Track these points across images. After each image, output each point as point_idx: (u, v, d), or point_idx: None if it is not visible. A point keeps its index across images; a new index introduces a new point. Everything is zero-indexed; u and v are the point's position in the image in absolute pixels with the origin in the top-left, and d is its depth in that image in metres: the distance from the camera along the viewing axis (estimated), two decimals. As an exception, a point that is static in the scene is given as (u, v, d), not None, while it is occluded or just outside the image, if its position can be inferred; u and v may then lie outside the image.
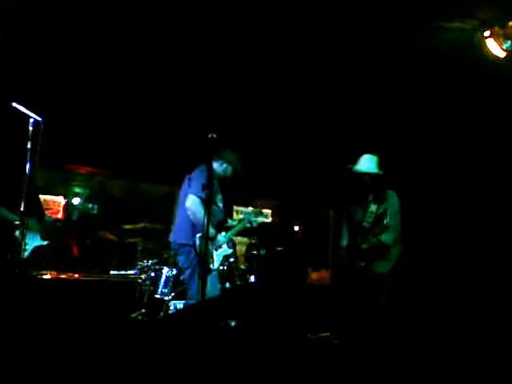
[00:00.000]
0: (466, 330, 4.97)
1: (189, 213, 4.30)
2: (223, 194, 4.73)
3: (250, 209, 8.27)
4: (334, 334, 4.76)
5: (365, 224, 4.44)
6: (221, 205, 4.67)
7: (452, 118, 5.82)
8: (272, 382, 3.46)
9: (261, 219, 5.27)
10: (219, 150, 4.60)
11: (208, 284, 4.14)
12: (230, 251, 4.77)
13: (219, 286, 4.62)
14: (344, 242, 4.73)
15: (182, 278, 5.16)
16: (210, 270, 4.41)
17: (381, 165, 4.54)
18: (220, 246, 4.56)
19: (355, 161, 4.61)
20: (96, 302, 4.43)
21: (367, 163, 4.50)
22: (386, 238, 4.43)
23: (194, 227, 4.32)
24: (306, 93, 5.86)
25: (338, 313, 4.76)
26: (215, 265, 4.53)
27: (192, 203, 4.27)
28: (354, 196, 4.65)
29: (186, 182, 4.51)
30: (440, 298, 5.80)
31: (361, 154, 4.61)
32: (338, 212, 5.02)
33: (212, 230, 4.37)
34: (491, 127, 5.74)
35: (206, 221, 4.04)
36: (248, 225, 5.01)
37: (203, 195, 4.18)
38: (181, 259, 4.49)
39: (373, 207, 4.47)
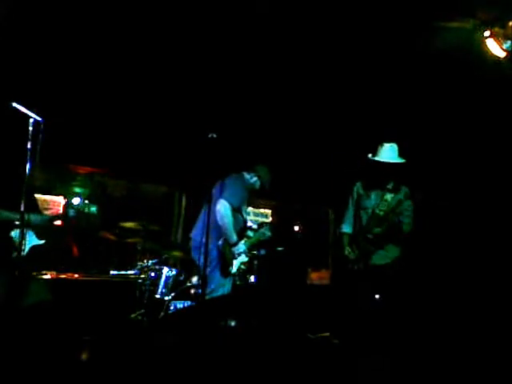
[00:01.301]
0: (466, 329, 4.97)
1: (218, 216, 4.38)
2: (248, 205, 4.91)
3: (251, 209, 8.28)
4: (334, 334, 4.76)
5: (378, 212, 4.39)
6: (244, 215, 4.81)
7: (452, 118, 5.81)
8: (272, 382, 3.46)
9: (259, 219, 5.35)
10: (254, 163, 4.82)
11: (227, 287, 4.54)
12: (247, 259, 4.83)
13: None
14: (347, 229, 4.61)
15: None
16: (229, 273, 4.50)
17: (401, 153, 4.47)
18: (239, 254, 4.63)
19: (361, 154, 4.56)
20: (96, 301, 4.43)
21: (389, 153, 4.41)
22: (405, 227, 4.39)
23: (218, 229, 4.38)
24: (306, 93, 5.86)
25: (338, 313, 4.75)
26: (233, 270, 4.60)
27: (223, 207, 4.40)
28: (372, 182, 4.55)
29: (218, 186, 4.60)
30: (440, 298, 5.80)
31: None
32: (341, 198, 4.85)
33: (235, 237, 4.51)
34: (491, 127, 5.74)
35: (231, 227, 4.45)
36: (263, 237, 5.11)
37: (234, 203, 4.46)
38: (201, 257, 4.49)
39: (388, 196, 4.41)
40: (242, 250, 4.62)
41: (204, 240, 4.32)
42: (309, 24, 4.68)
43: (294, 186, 7.63)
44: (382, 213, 4.37)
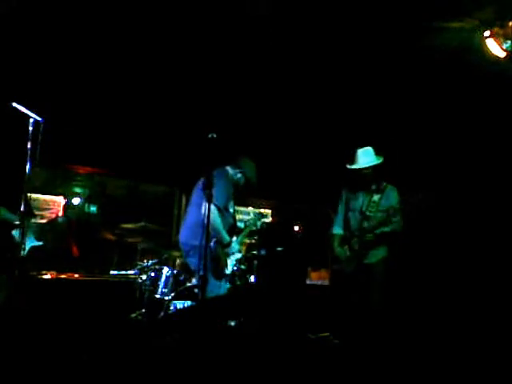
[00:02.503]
0: (465, 328, 4.97)
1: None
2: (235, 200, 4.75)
3: (251, 209, 8.29)
4: (334, 334, 4.76)
5: (368, 213, 4.44)
6: (232, 210, 4.67)
7: (452, 117, 5.82)
8: (272, 382, 3.46)
9: (262, 220, 5.35)
10: (238, 157, 4.66)
11: (222, 289, 4.42)
12: (241, 255, 4.80)
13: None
14: (337, 231, 4.66)
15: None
16: (225, 275, 4.45)
17: (378, 152, 4.54)
18: (233, 253, 4.58)
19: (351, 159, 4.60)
20: (96, 301, 4.43)
21: (365, 157, 4.49)
22: (396, 226, 4.40)
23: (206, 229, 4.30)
24: (306, 92, 5.86)
25: (338, 313, 4.75)
26: (228, 269, 4.56)
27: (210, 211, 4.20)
28: (357, 186, 4.60)
29: (200, 184, 4.43)
30: (439, 297, 5.80)
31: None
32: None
33: (227, 237, 4.43)
34: (491, 127, 5.74)
35: (221, 229, 4.32)
36: (254, 228, 5.07)
37: (221, 204, 4.31)
38: (193, 261, 4.40)
39: (375, 197, 4.48)
40: (235, 250, 4.57)
41: (193, 242, 4.24)
42: (308, 26, 4.68)
43: (293, 186, 7.64)
44: (372, 214, 4.42)
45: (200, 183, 4.47)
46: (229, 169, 4.64)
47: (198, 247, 4.11)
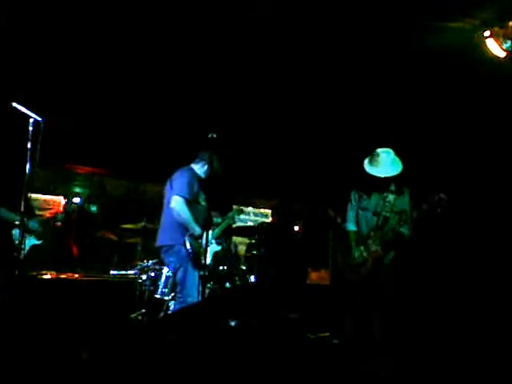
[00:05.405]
0: (467, 329, 4.97)
1: (174, 213, 4.32)
2: (206, 194, 4.70)
3: (251, 209, 8.31)
4: (334, 334, 4.75)
5: (384, 213, 4.35)
6: (204, 204, 4.62)
7: (452, 118, 5.82)
8: (272, 382, 3.46)
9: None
10: (198, 152, 4.65)
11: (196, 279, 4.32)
12: (219, 248, 4.85)
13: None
14: (352, 227, 4.51)
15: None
16: (204, 265, 4.41)
17: (398, 156, 4.40)
18: (209, 245, 4.53)
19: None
20: (96, 302, 4.44)
21: (386, 166, 4.30)
22: (406, 230, 4.32)
23: (181, 227, 4.34)
24: (306, 92, 5.86)
25: (338, 313, 4.75)
26: (208, 261, 4.51)
27: (176, 204, 4.29)
28: (372, 187, 4.46)
29: (167, 186, 4.51)
30: (442, 298, 5.80)
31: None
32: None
33: (198, 229, 4.38)
34: (491, 127, 5.74)
35: (191, 220, 4.32)
36: (231, 222, 5.09)
37: (186, 195, 4.31)
38: (172, 260, 4.41)
39: (391, 197, 4.38)
40: (210, 241, 4.53)
41: (169, 242, 4.35)
42: (309, 27, 4.68)
43: (294, 186, 7.65)
44: (387, 214, 4.34)
45: (167, 186, 4.53)
46: (193, 165, 4.64)
47: (174, 246, 4.35)
